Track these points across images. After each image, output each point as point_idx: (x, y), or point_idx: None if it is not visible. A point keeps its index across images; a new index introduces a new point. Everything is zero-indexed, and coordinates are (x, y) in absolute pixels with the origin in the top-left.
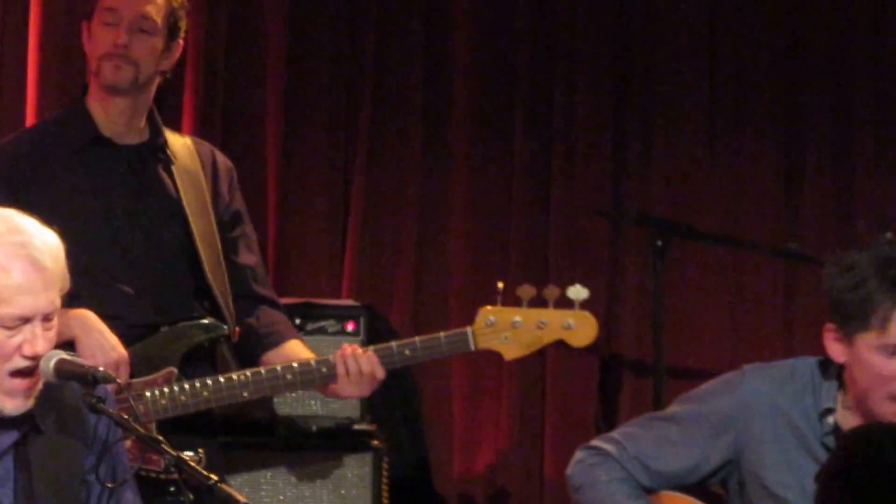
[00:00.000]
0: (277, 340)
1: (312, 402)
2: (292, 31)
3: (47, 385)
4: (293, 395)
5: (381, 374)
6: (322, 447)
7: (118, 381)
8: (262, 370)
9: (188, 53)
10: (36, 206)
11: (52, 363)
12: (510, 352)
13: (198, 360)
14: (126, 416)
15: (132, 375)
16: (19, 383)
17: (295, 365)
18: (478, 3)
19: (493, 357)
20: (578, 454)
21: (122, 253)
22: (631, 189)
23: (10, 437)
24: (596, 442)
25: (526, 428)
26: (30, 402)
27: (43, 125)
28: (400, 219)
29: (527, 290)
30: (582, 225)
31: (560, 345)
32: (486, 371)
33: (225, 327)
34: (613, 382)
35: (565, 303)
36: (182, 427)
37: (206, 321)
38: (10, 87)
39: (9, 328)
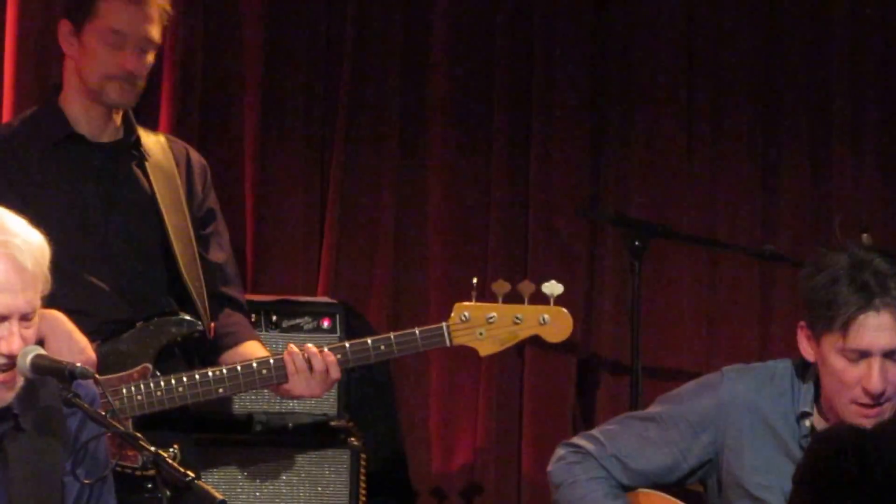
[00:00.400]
0: (233, 342)
1: (290, 400)
2: (269, 31)
3: (30, 384)
4: (270, 391)
5: (335, 374)
6: (299, 444)
7: (96, 377)
8: (238, 366)
9: (164, 52)
10: (8, 203)
11: (28, 359)
12: (485, 347)
13: (172, 357)
14: (103, 413)
15: (107, 372)
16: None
17: (271, 360)
18: (456, 4)
19: (471, 355)
20: (559, 451)
21: (96, 249)
22: (609, 189)
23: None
24: (576, 439)
25: (503, 426)
26: (8, 396)
27: (15, 123)
28: (377, 216)
29: (502, 286)
30: (560, 225)
31: (538, 343)
32: (463, 369)
33: (200, 324)
34: (591, 381)
35: (540, 298)
36: (157, 423)
37: (181, 317)
38: None
39: None
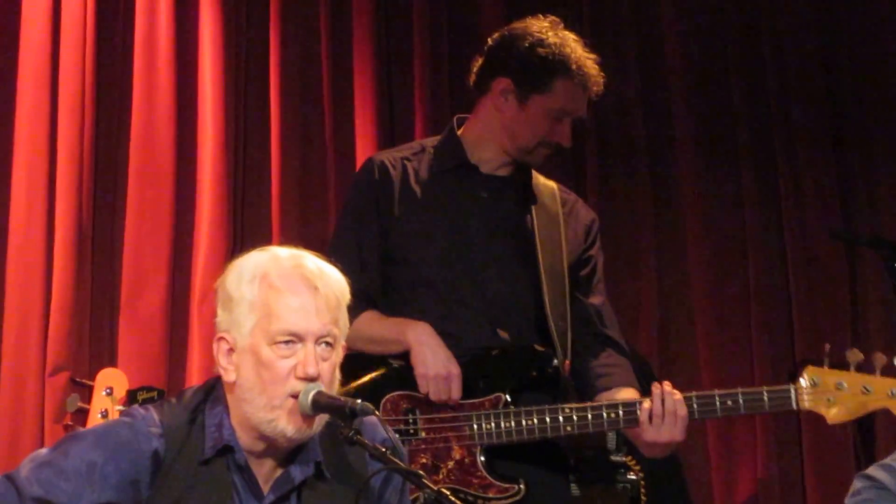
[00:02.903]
0: (609, 384)
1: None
2: None
3: (332, 431)
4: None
5: (682, 411)
6: (580, 479)
7: (376, 413)
8: (588, 406)
9: None
10: (396, 220)
11: (310, 396)
12: (833, 415)
13: (534, 389)
14: (384, 450)
15: (466, 396)
16: (297, 404)
17: (619, 404)
18: (690, 48)
19: (740, 381)
20: (856, 484)
21: (472, 275)
22: (860, 210)
23: (300, 473)
24: (872, 470)
25: (784, 457)
26: (309, 429)
27: (419, 147)
28: (639, 256)
29: (855, 355)
30: (817, 249)
31: None
32: None
33: (554, 360)
34: None
35: (892, 371)
36: None
37: (536, 350)
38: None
39: (282, 344)
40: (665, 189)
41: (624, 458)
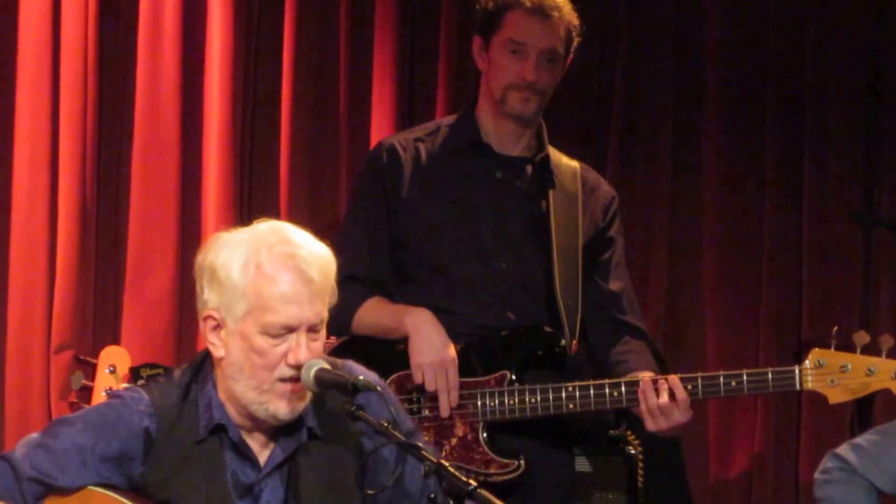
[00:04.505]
0: (623, 370)
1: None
2: None
3: (321, 401)
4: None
5: (681, 394)
6: (578, 453)
7: (378, 388)
8: (591, 385)
9: None
10: (406, 204)
11: (312, 372)
12: (835, 396)
13: (540, 368)
14: (385, 424)
15: (466, 375)
16: (287, 387)
17: (622, 382)
18: (727, 20)
19: (745, 361)
20: (827, 463)
21: (480, 255)
22: (883, 194)
23: (295, 441)
24: (844, 450)
25: (781, 433)
26: (300, 406)
27: (435, 126)
28: (652, 233)
29: (862, 337)
30: (835, 232)
31: None
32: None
33: (562, 339)
34: None
35: None
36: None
37: (544, 330)
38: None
39: (274, 336)
40: (685, 166)
41: (623, 433)
